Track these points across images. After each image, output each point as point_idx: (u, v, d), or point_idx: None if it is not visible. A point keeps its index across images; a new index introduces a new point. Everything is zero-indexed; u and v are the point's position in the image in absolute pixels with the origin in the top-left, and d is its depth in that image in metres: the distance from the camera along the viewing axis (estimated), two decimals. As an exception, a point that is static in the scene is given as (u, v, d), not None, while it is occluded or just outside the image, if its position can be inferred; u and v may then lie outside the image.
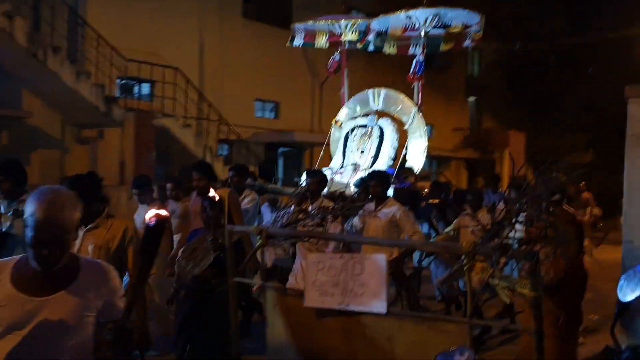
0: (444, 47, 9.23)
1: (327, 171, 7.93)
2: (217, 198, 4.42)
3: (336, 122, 9.23)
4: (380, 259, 3.24)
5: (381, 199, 5.80)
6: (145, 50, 13.25)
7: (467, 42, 9.03)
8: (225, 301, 3.76)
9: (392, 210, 5.66)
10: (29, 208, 2.03)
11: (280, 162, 18.81)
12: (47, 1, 11.74)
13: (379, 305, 3.17)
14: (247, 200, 6.29)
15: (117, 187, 11.14)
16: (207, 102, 14.48)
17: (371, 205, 5.80)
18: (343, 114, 9.35)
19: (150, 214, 2.16)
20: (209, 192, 5.11)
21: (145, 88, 14.93)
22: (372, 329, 3.26)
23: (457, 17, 8.19)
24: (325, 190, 6.14)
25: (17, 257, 2.16)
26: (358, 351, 3.34)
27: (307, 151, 18.44)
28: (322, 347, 3.51)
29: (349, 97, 9.40)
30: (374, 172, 6.61)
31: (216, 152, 15.02)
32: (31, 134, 12.31)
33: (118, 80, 13.47)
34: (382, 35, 9.04)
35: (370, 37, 8.79)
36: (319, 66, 18.68)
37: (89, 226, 3.51)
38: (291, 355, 3.65)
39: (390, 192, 6.95)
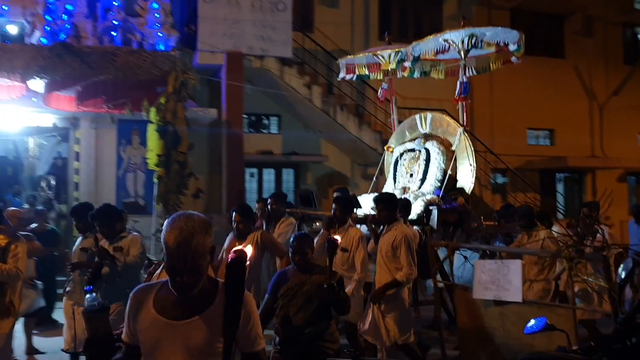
0: (493, 67, 8.58)
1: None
2: (338, 240, 4.22)
3: (388, 147, 9.44)
4: (517, 264, 4.28)
5: (389, 222, 5.54)
6: (418, 96, 15.21)
7: (513, 59, 8.09)
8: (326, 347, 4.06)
9: (394, 235, 5.38)
10: (162, 235, 2.09)
11: (560, 188, 18.67)
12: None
13: (518, 296, 4.21)
14: (284, 225, 6.78)
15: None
16: (472, 134, 15.65)
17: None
18: (394, 139, 9.55)
19: (233, 249, 2.13)
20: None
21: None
22: (516, 313, 4.30)
23: (495, 36, 7.93)
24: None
25: (163, 280, 2.22)
26: (510, 329, 4.40)
27: (588, 176, 18.04)
28: (488, 327, 4.64)
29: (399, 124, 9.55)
30: (379, 195, 6.32)
31: (488, 182, 16.01)
32: (328, 173, 15.34)
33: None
34: (423, 60, 8.82)
35: (408, 63, 8.53)
36: (596, 88, 18.29)
37: None
38: (475, 333, 4.87)
39: (434, 212, 7.03)
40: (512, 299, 4.28)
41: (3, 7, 11.13)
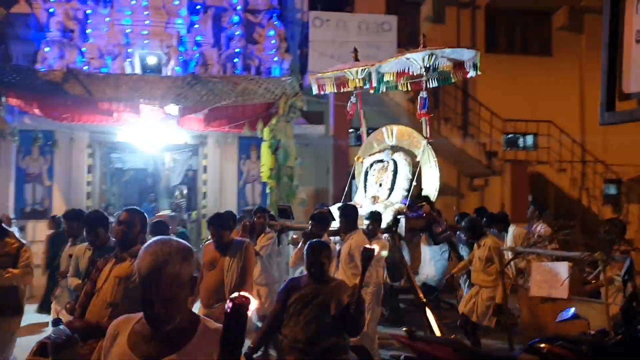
0: (454, 78, 8.58)
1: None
2: (375, 250, 4.12)
3: (357, 158, 9.81)
4: (565, 266, 4.83)
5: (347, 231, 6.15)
6: (525, 109, 15.39)
7: (472, 73, 8.17)
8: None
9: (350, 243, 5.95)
10: (136, 262, 1.93)
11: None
12: (446, 87, 15.28)
13: (564, 294, 4.76)
14: (265, 238, 7.19)
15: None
16: (583, 146, 15.51)
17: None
18: (363, 151, 9.85)
19: (234, 296, 1.79)
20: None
21: (529, 140, 16.95)
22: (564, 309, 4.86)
23: (452, 54, 8.39)
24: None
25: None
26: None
27: None
28: (542, 321, 5.22)
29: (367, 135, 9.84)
30: (341, 207, 6.74)
31: (599, 193, 15.72)
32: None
33: (503, 136, 15.98)
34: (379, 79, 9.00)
35: (375, 81, 8.87)
36: None
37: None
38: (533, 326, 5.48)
39: (402, 221, 7.20)
40: (560, 296, 4.84)
41: (144, 41, 13.06)
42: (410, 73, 8.43)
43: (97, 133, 12.51)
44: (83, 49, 12.72)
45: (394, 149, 9.01)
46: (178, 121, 11.38)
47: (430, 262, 8.68)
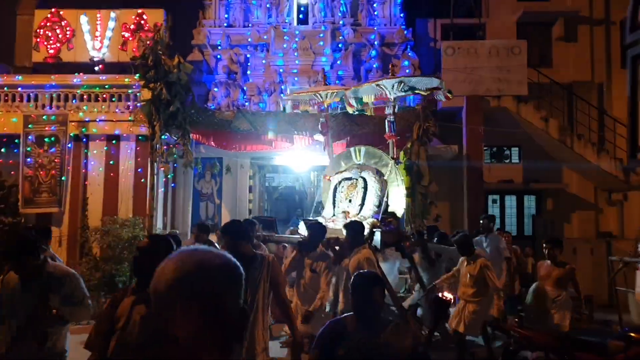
0: (418, 106, 9.07)
1: (320, 219, 8.57)
2: (450, 299, 4.00)
3: (325, 176, 10.19)
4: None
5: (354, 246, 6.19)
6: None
7: (440, 96, 9.15)
8: None
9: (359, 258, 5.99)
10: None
11: None
12: (580, 105, 15.53)
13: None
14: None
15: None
16: None
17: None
18: (330, 169, 10.24)
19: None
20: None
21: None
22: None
23: (419, 83, 9.47)
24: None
25: None
26: None
27: None
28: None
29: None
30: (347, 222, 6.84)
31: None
32: (570, 200, 16.07)
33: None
34: (358, 100, 10.03)
35: (353, 102, 9.98)
36: None
37: None
38: None
39: (378, 234, 7.35)
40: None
41: (295, 78, 15.02)
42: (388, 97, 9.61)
43: (257, 158, 14.60)
44: (245, 88, 15.00)
45: (362, 167, 9.61)
46: (324, 147, 13.05)
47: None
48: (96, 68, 14.80)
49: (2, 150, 13.37)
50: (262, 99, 14.80)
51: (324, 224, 8.09)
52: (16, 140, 13.06)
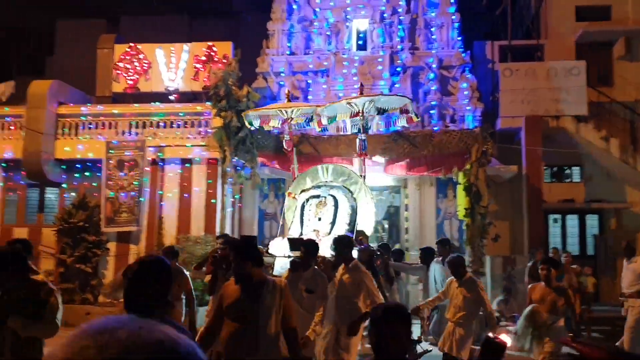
0: (399, 122, 10.09)
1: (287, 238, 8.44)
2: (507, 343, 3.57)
3: (289, 194, 9.92)
4: None
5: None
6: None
7: (401, 122, 9.71)
8: None
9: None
10: None
11: None
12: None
13: None
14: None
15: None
16: None
17: None
18: (294, 186, 9.91)
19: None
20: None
21: None
22: None
23: (389, 102, 9.69)
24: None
25: None
26: None
27: None
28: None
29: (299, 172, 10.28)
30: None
31: None
32: (635, 219, 15.85)
33: None
34: (331, 119, 10.15)
35: (325, 121, 10.14)
36: None
37: None
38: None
39: (355, 252, 6.97)
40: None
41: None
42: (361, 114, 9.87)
43: (319, 180, 15.25)
44: (307, 112, 15.71)
45: (331, 185, 9.54)
46: (384, 168, 13.55)
47: None
48: (171, 97, 15.90)
49: (87, 174, 14.58)
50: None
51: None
52: (99, 165, 14.22)
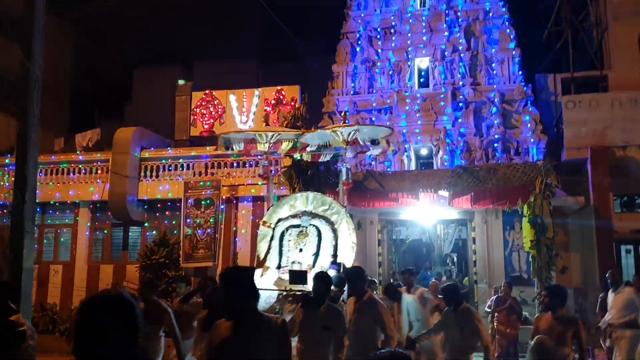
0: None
1: (272, 270, 8.33)
2: None
3: (264, 223, 9.44)
4: None
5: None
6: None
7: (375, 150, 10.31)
8: None
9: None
10: None
11: None
12: None
13: None
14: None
15: None
16: None
17: None
18: (270, 215, 9.45)
19: None
20: None
21: None
22: None
23: (372, 131, 10.26)
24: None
25: None
26: None
27: None
28: None
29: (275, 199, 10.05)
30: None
31: None
32: None
33: None
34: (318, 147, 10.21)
35: (309, 148, 10.58)
36: None
37: None
38: None
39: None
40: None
41: (418, 137, 16.07)
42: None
43: (385, 214, 15.66)
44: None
45: (311, 214, 9.13)
46: (449, 202, 13.85)
47: None
48: (243, 139, 16.92)
49: (167, 213, 15.65)
50: (388, 158, 15.95)
51: (278, 274, 8.54)
52: (178, 204, 15.26)
